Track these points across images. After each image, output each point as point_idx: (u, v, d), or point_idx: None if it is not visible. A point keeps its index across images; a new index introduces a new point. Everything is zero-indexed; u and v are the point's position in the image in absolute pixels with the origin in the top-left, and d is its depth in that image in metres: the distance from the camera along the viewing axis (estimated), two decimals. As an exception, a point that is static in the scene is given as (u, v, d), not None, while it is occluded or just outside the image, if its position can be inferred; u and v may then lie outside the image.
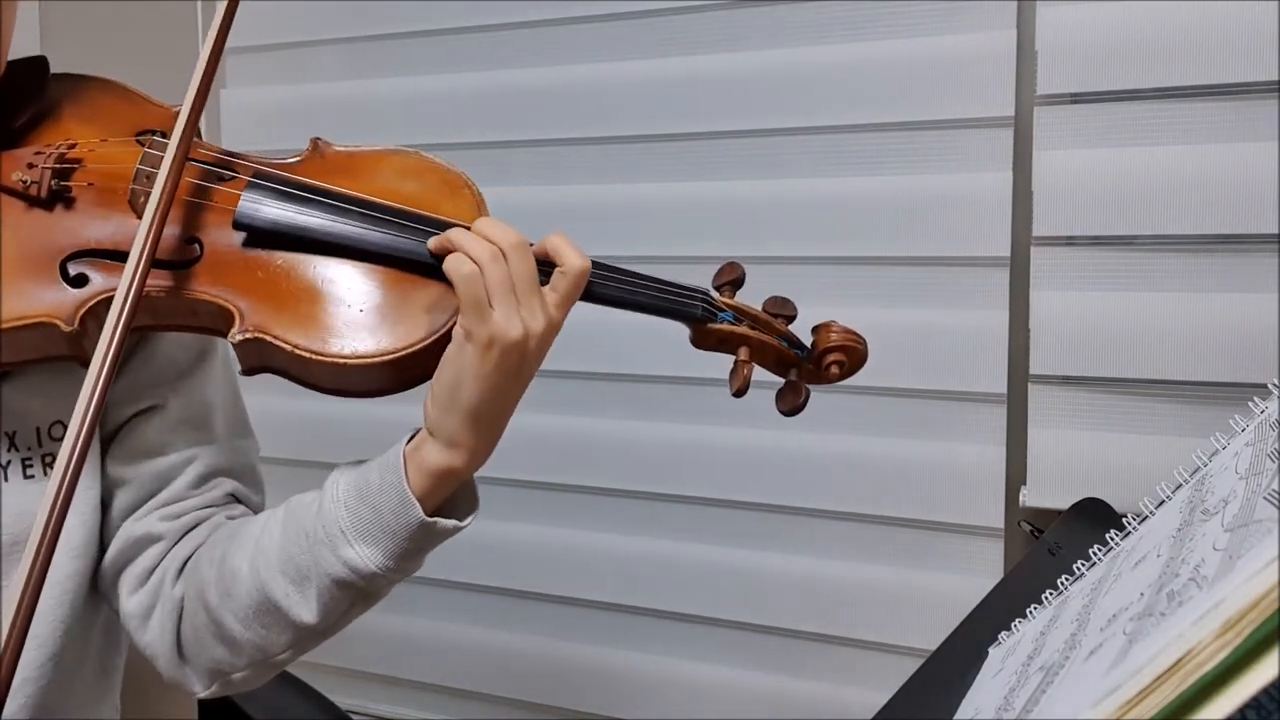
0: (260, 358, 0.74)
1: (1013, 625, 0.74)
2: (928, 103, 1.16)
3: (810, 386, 0.80)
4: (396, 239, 0.75)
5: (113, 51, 1.56)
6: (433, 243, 0.73)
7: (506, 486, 1.39)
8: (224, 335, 0.73)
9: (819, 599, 1.25)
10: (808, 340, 0.81)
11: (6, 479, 0.78)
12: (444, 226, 0.75)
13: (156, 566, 0.81)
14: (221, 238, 0.75)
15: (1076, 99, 1.10)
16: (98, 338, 0.69)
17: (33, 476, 0.79)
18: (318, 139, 0.82)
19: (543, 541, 1.37)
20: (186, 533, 0.82)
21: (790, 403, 0.79)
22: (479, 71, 1.37)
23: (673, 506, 1.32)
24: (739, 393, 0.76)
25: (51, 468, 0.78)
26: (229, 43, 1.46)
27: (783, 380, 0.80)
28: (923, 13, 1.16)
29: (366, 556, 0.73)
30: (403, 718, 1.48)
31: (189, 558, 0.81)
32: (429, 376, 0.75)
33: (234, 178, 0.77)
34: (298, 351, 0.72)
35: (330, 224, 0.75)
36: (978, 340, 1.16)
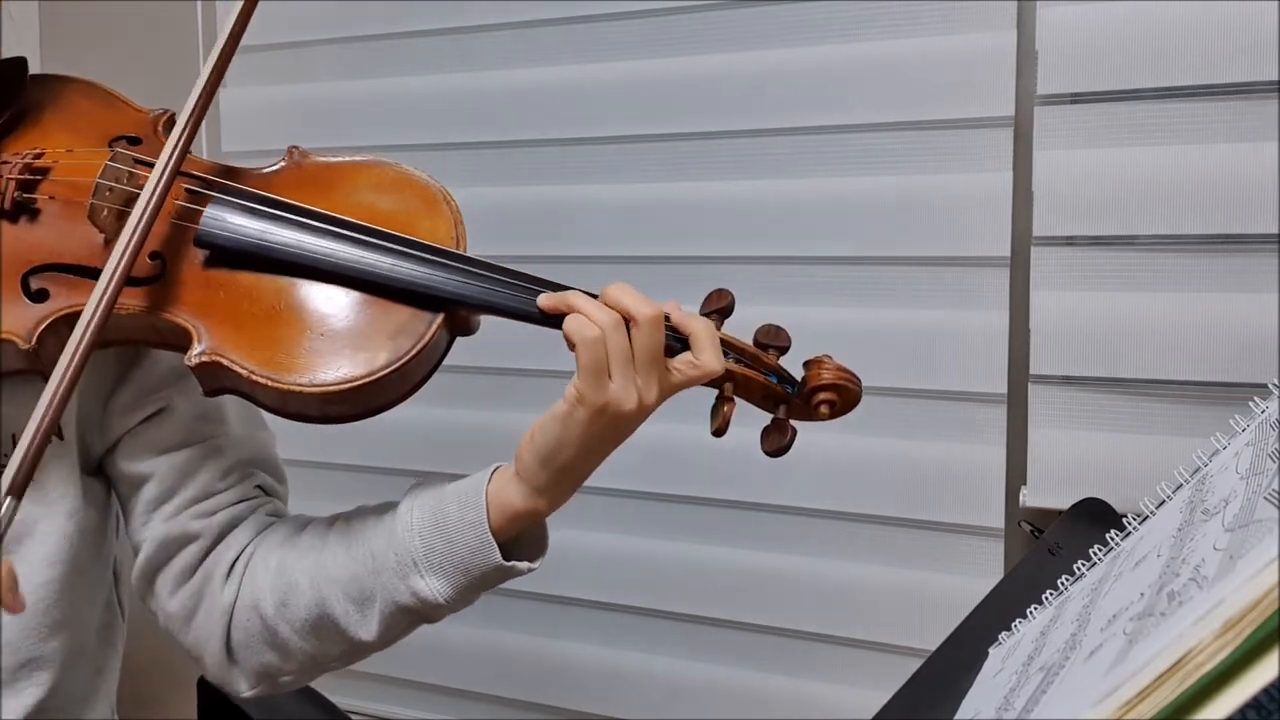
0: (218, 380, 0.72)
1: (1013, 625, 0.74)
2: (928, 103, 1.16)
3: (799, 424, 0.76)
4: (364, 260, 0.72)
5: (112, 51, 1.56)
6: (545, 301, 0.72)
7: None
8: (183, 353, 0.71)
9: (819, 599, 1.25)
10: (800, 373, 0.76)
11: None
12: (415, 245, 0.73)
13: (197, 567, 0.80)
14: (184, 255, 0.73)
15: (1076, 99, 1.10)
16: (56, 353, 0.67)
17: None
18: (294, 148, 0.79)
19: (543, 541, 1.37)
20: (225, 532, 0.81)
21: (775, 443, 0.75)
22: (478, 71, 1.37)
23: (672, 506, 1.32)
24: (718, 433, 0.72)
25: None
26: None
27: (769, 416, 0.76)
28: (923, 13, 1.16)
29: (436, 589, 0.73)
30: (403, 718, 1.48)
31: (235, 560, 0.80)
32: (395, 403, 0.73)
33: (202, 193, 0.74)
34: (254, 377, 0.69)
35: (296, 244, 0.72)
36: (978, 340, 1.16)
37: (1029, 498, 1.13)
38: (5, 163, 0.74)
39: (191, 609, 0.80)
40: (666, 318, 0.72)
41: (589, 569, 1.35)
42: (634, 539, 1.33)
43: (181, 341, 0.71)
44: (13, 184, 0.73)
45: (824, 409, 0.75)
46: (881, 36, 1.18)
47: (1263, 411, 0.61)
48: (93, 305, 0.67)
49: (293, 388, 0.69)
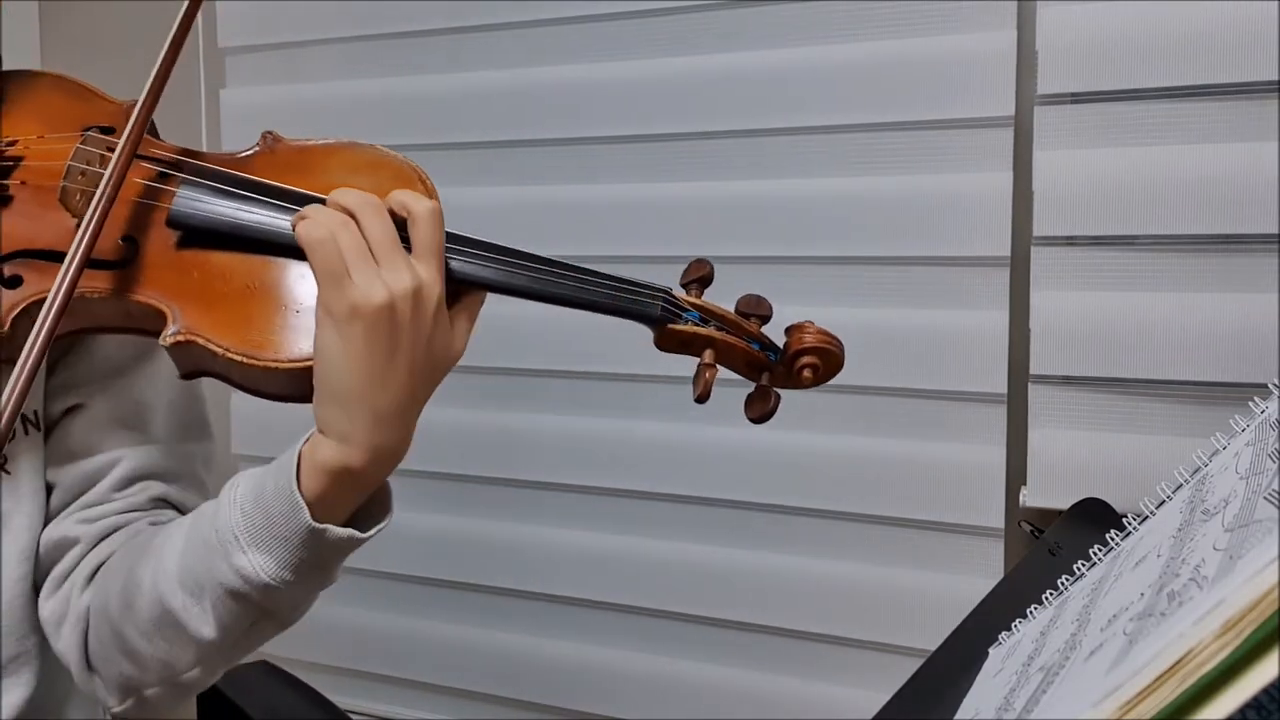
0: (193, 361, 0.71)
1: (1013, 625, 0.74)
2: (928, 103, 1.16)
3: (782, 391, 0.75)
4: None
5: (113, 51, 1.56)
6: (292, 219, 0.68)
7: (506, 486, 1.39)
8: (157, 337, 0.70)
9: (819, 599, 1.25)
10: (782, 341, 0.76)
11: None
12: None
13: (71, 572, 0.78)
14: (157, 237, 0.72)
15: (1076, 99, 1.10)
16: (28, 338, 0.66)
17: None
18: (268, 132, 0.79)
19: (543, 541, 1.37)
20: (104, 537, 0.79)
21: (759, 410, 0.74)
22: (477, 71, 1.37)
23: (672, 506, 1.32)
24: (701, 398, 0.71)
25: (4, 470, 0.77)
26: (228, 42, 1.47)
27: (753, 384, 0.75)
28: (923, 13, 1.16)
29: (259, 565, 0.67)
30: (403, 718, 1.48)
31: (99, 566, 0.78)
32: None
33: (173, 175, 0.74)
34: (229, 355, 0.68)
35: (267, 221, 0.71)
36: (978, 340, 1.16)
37: (1029, 498, 1.13)
38: None
39: (60, 615, 0.78)
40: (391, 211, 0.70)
41: (588, 569, 1.35)
42: (634, 539, 1.33)
43: (155, 324, 0.70)
44: None
45: (807, 373, 0.74)
46: (881, 36, 1.18)
47: (1263, 411, 0.61)
48: (56, 287, 0.66)
49: (268, 364, 0.68)
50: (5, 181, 0.74)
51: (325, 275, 0.65)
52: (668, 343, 0.74)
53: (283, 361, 0.68)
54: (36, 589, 0.81)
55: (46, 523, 0.80)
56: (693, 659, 1.32)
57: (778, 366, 0.75)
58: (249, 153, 0.78)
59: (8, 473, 0.78)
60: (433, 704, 1.47)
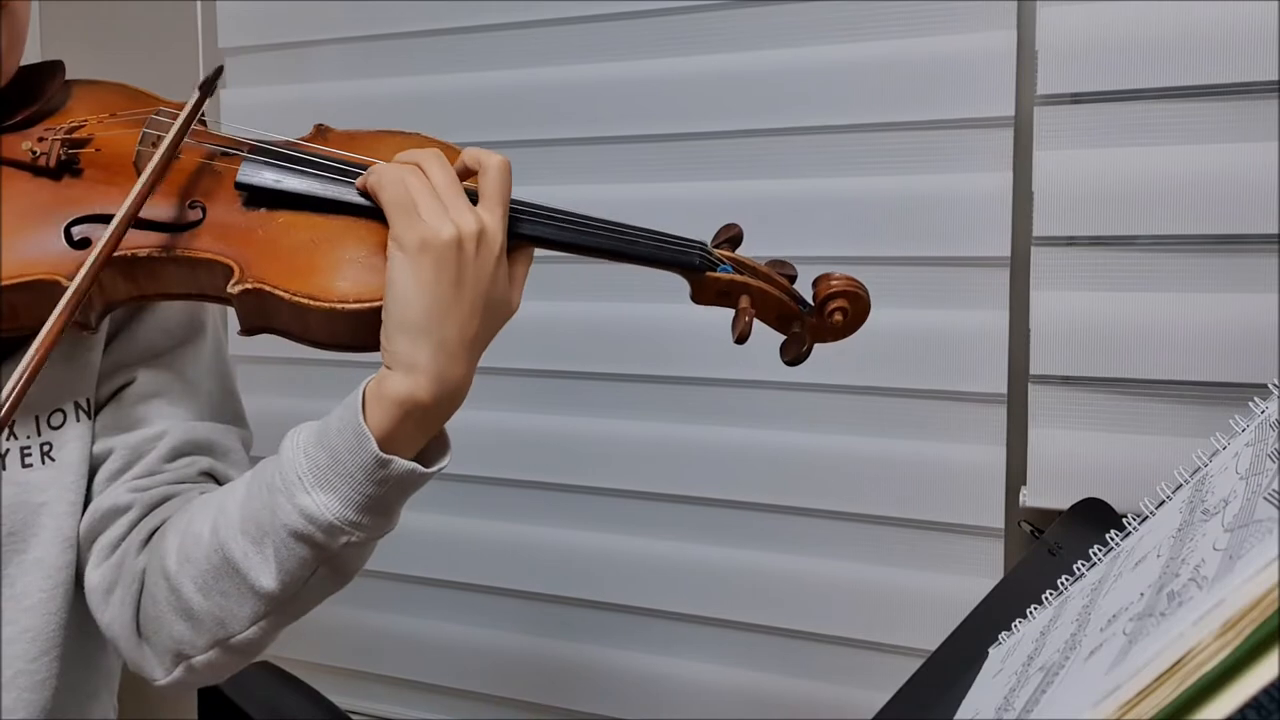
0: (259, 310, 0.74)
1: (1013, 625, 0.74)
2: (928, 103, 1.16)
3: (815, 342, 0.80)
4: None
5: (113, 51, 1.56)
6: (359, 181, 0.74)
7: (507, 487, 1.39)
8: (223, 293, 0.74)
9: (818, 599, 1.25)
10: (809, 298, 0.80)
11: (4, 468, 0.77)
12: None
13: (124, 539, 0.79)
14: (223, 200, 0.77)
15: (1076, 99, 1.10)
16: (98, 300, 0.71)
17: (30, 465, 0.78)
18: (321, 124, 0.83)
19: (543, 542, 1.37)
20: (156, 506, 0.79)
21: (794, 352, 0.79)
22: (478, 71, 1.37)
23: (673, 506, 1.32)
24: (740, 339, 0.75)
25: (49, 457, 0.78)
26: (228, 42, 1.47)
27: (784, 336, 0.80)
28: (923, 13, 1.16)
29: (323, 504, 0.68)
30: (403, 718, 1.48)
31: (155, 530, 0.78)
32: None
33: (238, 153, 0.79)
34: (295, 299, 0.72)
35: (331, 180, 0.76)
36: (978, 340, 1.16)
37: (1029, 498, 1.13)
38: (49, 129, 0.79)
39: (111, 581, 0.78)
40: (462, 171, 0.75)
41: (588, 568, 1.35)
42: (634, 539, 1.33)
43: (221, 282, 0.74)
44: (58, 144, 0.78)
45: (838, 316, 0.78)
46: (881, 36, 1.18)
47: (1263, 411, 0.61)
48: (110, 229, 0.70)
49: (333, 305, 0.72)
50: (76, 152, 0.78)
51: (396, 209, 0.69)
52: (705, 293, 0.78)
53: (349, 302, 0.72)
54: (77, 578, 0.81)
55: (95, 489, 0.81)
56: (693, 659, 1.32)
57: (809, 317, 0.79)
58: (301, 138, 0.82)
59: (52, 459, 0.79)
60: (433, 704, 1.47)
